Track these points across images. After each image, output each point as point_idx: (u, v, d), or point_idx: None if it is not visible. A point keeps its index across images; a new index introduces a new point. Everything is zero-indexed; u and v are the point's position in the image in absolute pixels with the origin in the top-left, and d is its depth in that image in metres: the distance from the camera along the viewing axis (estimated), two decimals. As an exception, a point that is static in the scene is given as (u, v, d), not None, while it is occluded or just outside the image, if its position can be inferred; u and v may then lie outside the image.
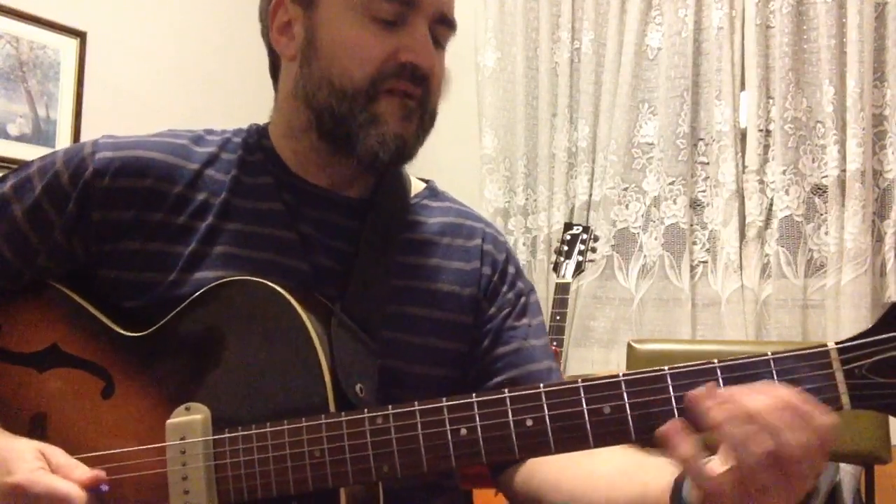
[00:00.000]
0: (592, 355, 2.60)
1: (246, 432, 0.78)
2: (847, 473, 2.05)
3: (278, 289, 0.82)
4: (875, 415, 1.56)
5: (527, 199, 2.74)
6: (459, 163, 2.74)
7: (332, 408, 0.77)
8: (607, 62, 2.60)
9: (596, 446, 0.69)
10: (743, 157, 2.39)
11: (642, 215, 2.57)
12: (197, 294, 0.85)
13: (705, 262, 2.48)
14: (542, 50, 2.70)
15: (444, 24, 0.92)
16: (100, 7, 2.59)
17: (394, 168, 0.95)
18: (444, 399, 0.73)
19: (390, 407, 0.75)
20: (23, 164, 0.95)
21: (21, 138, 2.38)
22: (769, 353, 0.66)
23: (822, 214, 2.30)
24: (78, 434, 0.84)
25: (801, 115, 2.32)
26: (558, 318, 2.18)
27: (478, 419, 0.72)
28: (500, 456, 0.72)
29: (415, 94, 0.90)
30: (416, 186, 1.06)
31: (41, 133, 2.43)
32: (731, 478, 0.63)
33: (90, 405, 0.86)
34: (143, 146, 0.93)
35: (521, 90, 2.72)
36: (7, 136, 2.35)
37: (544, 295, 2.55)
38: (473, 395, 0.73)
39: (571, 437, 0.69)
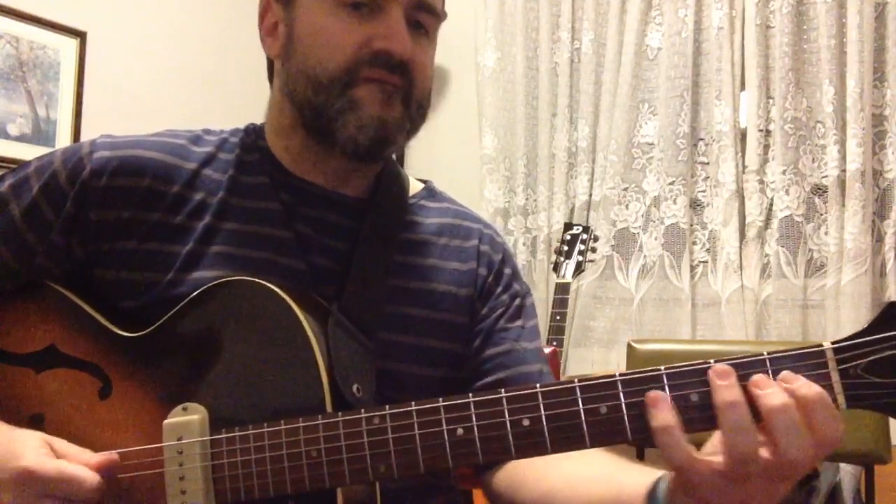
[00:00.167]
0: (592, 355, 2.60)
1: (243, 432, 0.78)
2: (847, 473, 2.04)
3: (275, 289, 0.81)
4: (875, 415, 1.56)
5: (527, 199, 2.73)
6: (459, 163, 2.75)
7: (329, 408, 0.77)
8: (607, 62, 2.60)
9: (592, 446, 0.69)
10: (743, 157, 2.39)
11: (642, 215, 2.56)
12: (194, 294, 0.85)
13: (705, 262, 2.48)
14: (542, 50, 2.70)
15: (423, 11, 0.90)
16: (100, 7, 2.59)
17: (378, 155, 0.91)
18: (440, 399, 0.73)
19: (387, 407, 0.74)
20: (21, 164, 0.95)
21: (21, 138, 2.38)
22: (765, 353, 0.66)
23: (822, 214, 2.29)
24: (75, 434, 0.84)
25: (801, 115, 2.31)
26: (558, 318, 2.18)
27: (474, 419, 0.71)
28: (496, 456, 0.72)
29: (392, 82, 0.88)
30: (415, 186, 1.06)
31: (41, 133, 2.43)
32: (714, 465, 0.63)
33: (87, 405, 0.86)
34: (141, 146, 0.93)
35: (521, 90, 2.72)
36: (7, 136, 2.35)
37: (544, 295, 2.55)
38: (470, 395, 0.72)
39: (568, 437, 0.69)
